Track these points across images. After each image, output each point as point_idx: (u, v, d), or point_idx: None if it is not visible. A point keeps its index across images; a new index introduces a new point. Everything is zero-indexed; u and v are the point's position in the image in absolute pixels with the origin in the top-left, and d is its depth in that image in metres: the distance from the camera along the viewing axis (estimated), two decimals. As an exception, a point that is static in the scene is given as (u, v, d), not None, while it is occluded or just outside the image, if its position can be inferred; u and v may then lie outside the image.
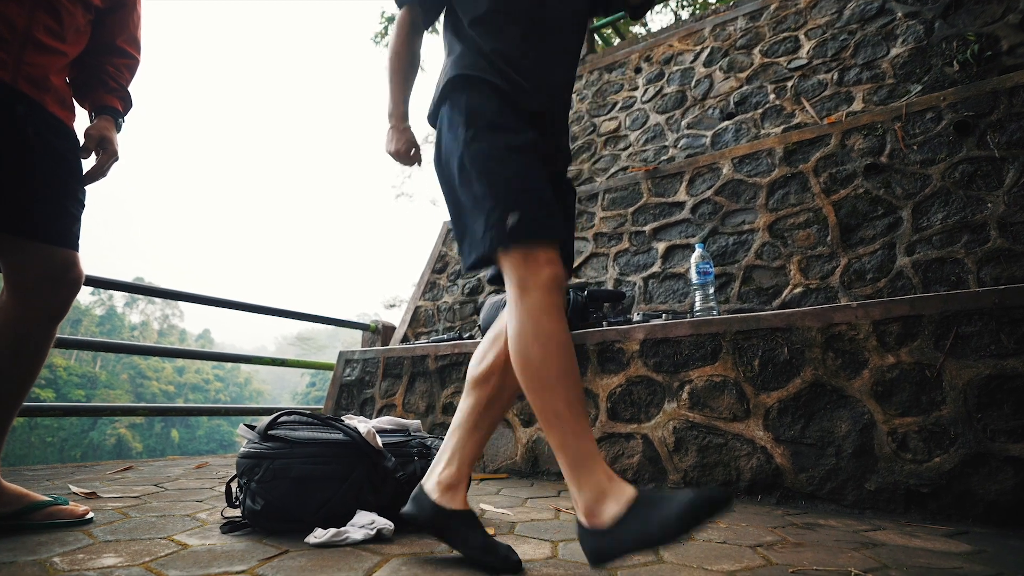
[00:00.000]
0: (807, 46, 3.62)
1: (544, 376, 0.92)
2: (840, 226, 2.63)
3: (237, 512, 1.39)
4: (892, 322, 1.70)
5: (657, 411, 2.05)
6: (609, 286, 3.23)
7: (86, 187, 1.28)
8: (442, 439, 1.53)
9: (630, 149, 4.05)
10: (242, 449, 1.31)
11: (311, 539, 1.14)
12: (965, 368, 1.57)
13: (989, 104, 2.50)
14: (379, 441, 1.34)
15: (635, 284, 3.13)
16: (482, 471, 2.39)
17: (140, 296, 24.92)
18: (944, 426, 1.57)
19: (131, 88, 1.42)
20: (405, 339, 3.95)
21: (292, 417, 1.38)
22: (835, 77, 3.32)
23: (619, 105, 4.46)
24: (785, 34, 3.81)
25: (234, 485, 1.35)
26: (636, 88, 4.46)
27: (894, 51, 3.17)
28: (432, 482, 1.09)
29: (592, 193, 3.71)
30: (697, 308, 2.47)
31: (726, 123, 3.63)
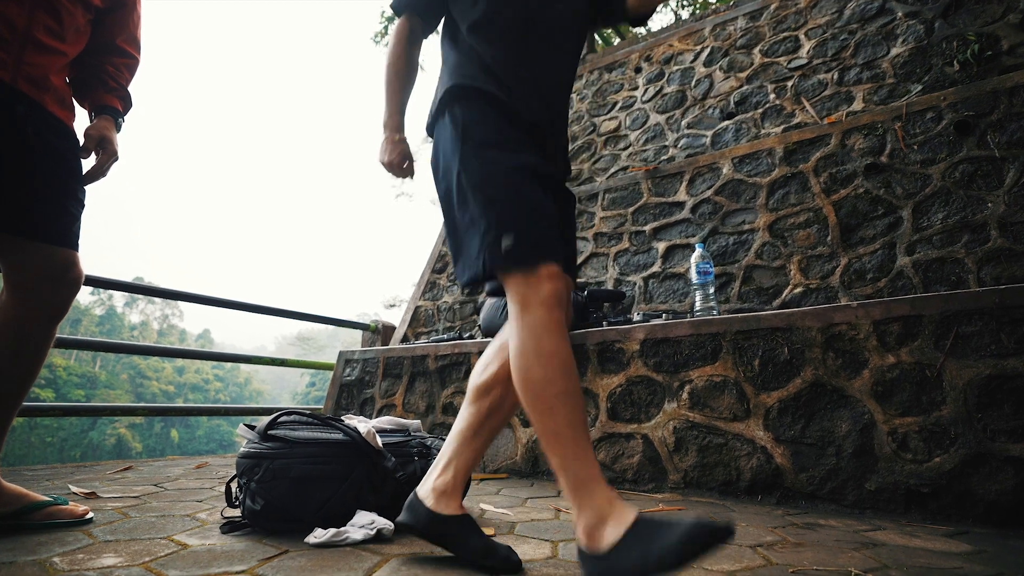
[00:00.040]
0: (807, 46, 3.61)
1: (545, 396, 0.90)
2: (840, 226, 2.63)
3: (237, 512, 1.39)
4: (892, 322, 1.70)
5: (657, 411, 2.05)
6: (609, 286, 3.23)
7: (86, 187, 1.28)
8: (442, 439, 1.54)
9: (630, 149, 4.04)
10: (242, 449, 1.31)
11: (311, 539, 1.14)
12: (965, 368, 1.57)
13: (989, 104, 2.50)
14: (379, 441, 1.34)
15: (635, 284, 3.13)
16: (482, 471, 2.39)
17: (140, 296, 24.92)
18: (944, 426, 1.57)
19: (131, 88, 1.42)
20: (405, 339, 3.95)
21: (292, 417, 1.38)
22: (835, 77, 3.32)
23: (619, 105, 4.45)
24: (785, 34, 3.80)
25: (234, 485, 1.35)
26: (636, 88, 4.45)
27: (894, 51, 3.17)
28: (426, 488, 1.09)
29: (592, 193, 3.71)
30: (697, 308, 2.47)
31: (726, 123, 3.63)
